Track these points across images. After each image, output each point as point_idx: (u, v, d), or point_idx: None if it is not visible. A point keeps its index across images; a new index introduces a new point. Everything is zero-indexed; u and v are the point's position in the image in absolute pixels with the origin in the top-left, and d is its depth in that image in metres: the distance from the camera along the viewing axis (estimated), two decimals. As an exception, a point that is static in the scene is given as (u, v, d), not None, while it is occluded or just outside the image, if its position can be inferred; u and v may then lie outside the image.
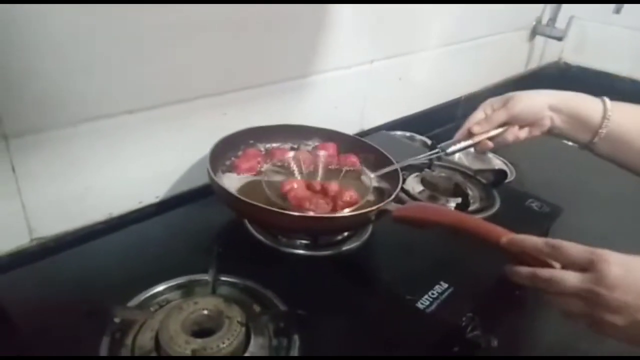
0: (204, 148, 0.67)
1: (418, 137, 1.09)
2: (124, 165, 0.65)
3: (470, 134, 0.70)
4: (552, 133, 0.71)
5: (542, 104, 0.68)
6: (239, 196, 0.57)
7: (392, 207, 0.57)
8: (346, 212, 0.56)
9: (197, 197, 0.73)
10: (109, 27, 0.55)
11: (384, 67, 1.00)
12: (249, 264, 0.59)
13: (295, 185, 0.63)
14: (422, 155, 0.75)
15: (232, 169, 0.69)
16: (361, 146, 0.76)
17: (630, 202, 1.00)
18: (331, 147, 0.76)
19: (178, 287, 0.53)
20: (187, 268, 0.56)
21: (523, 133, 0.70)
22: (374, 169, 0.73)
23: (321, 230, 0.61)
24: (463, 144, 0.71)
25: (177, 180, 0.71)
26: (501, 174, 0.84)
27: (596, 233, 0.88)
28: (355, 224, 0.63)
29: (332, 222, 0.57)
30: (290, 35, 0.77)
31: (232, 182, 0.67)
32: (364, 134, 1.03)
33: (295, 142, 0.77)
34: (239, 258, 0.61)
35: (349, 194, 0.63)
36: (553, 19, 1.49)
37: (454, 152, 0.71)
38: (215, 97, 0.71)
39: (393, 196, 0.60)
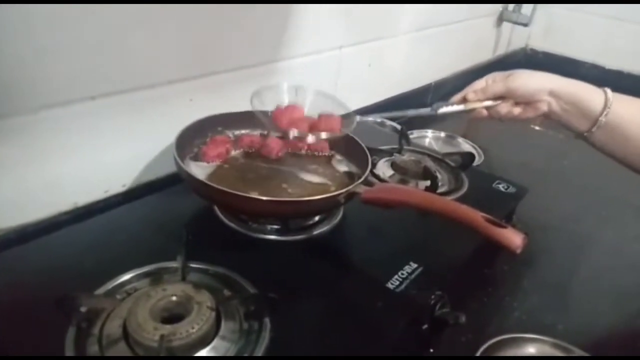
0: (171, 135, 0.66)
1: (388, 122, 1.10)
2: (89, 153, 0.63)
3: (465, 100, 0.71)
4: (549, 118, 0.72)
5: (542, 86, 0.69)
6: (207, 182, 0.57)
7: (361, 189, 0.58)
8: (315, 197, 0.56)
9: (166, 185, 0.71)
10: (69, 12, 0.54)
11: (354, 53, 1.00)
12: (220, 251, 0.59)
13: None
14: (411, 112, 0.76)
15: (200, 156, 0.68)
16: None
17: (592, 182, 1.03)
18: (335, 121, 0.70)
19: (146, 274, 0.52)
20: (156, 256, 0.55)
21: (517, 110, 0.71)
22: (344, 153, 0.73)
23: (291, 214, 0.61)
24: (456, 107, 0.73)
25: (144, 169, 0.70)
26: (469, 156, 0.85)
27: (560, 211, 0.92)
28: (325, 207, 0.63)
29: (302, 205, 0.57)
30: (257, 20, 0.76)
31: (200, 169, 0.66)
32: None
33: (265, 128, 0.77)
34: (209, 245, 0.60)
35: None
36: (519, 6, 1.52)
37: (445, 113, 0.72)
38: (181, 84, 0.69)
39: (362, 179, 0.61)
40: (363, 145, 0.70)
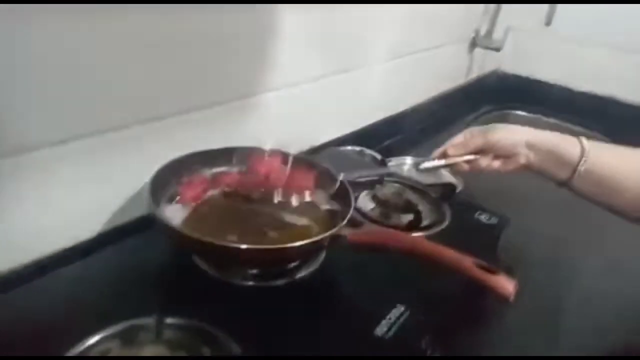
0: (146, 175, 0.63)
1: (368, 151, 1.09)
2: (55, 199, 0.59)
3: (445, 155, 0.72)
4: (529, 169, 0.73)
5: (519, 138, 0.71)
6: (182, 231, 0.53)
7: (346, 231, 0.56)
8: (297, 243, 0.53)
9: (140, 228, 0.68)
10: (34, 49, 0.51)
11: (331, 83, 0.99)
12: (197, 301, 0.55)
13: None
14: (393, 168, 0.81)
15: (175, 198, 0.65)
16: (310, 165, 0.74)
17: (574, 207, 1.03)
18: (275, 161, 0.71)
19: (118, 335, 0.49)
20: (129, 311, 0.51)
21: (496, 163, 0.73)
22: (324, 188, 0.71)
23: (272, 262, 0.58)
24: (437, 162, 0.73)
25: (117, 212, 0.66)
26: (450, 187, 0.84)
27: (543, 240, 0.91)
28: (308, 253, 0.60)
29: (283, 252, 0.55)
30: (232, 54, 0.74)
31: (176, 212, 0.63)
32: (313, 150, 1.01)
33: (243, 165, 0.74)
34: (186, 295, 0.57)
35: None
36: (490, 31, 1.55)
37: (427, 169, 0.73)
38: (155, 122, 0.66)
39: (345, 220, 0.59)
40: (346, 183, 0.68)
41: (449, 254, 0.47)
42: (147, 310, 0.50)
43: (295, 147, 0.96)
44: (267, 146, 0.74)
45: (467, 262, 0.45)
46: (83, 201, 0.62)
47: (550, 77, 1.73)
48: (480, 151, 0.71)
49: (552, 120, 1.66)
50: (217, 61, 0.72)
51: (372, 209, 0.80)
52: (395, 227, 0.75)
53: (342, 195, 0.67)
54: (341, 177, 0.68)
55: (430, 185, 0.87)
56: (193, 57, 0.68)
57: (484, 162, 0.72)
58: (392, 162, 1.12)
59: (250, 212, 0.65)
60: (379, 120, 1.23)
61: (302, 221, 0.64)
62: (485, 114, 1.61)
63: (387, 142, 1.24)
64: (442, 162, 0.73)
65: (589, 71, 1.66)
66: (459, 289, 0.63)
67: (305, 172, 0.70)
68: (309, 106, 0.96)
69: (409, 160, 1.16)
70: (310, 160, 0.71)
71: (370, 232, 0.55)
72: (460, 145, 0.72)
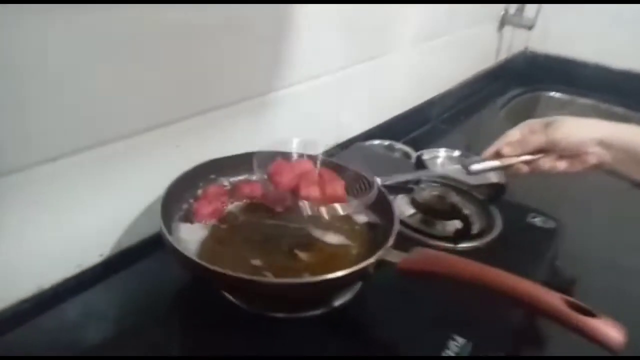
0: (155, 189, 0.55)
1: (398, 145, 0.99)
2: (55, 222, 0.51)
3: (499, 155, 0.61)
4: (600, 169, 0.61)
5: (589, 136, 0.59)
6: (200, 262, 0.45)
7: (395, 257, 0.47)
8: (338, 274, 0.44)
9: (152, 248, 0.60)
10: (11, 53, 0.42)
11: (355, 73, 0.89)
12: (221, 335, 0.48)
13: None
14: (440, 170, 0.69)
15: (191, 215, 0.57)
16: (341, 169, 0.64)
17: (625, 205, 0.93)
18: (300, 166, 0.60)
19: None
20: (145, 347, 0.43)
21: (562, 164, 0.61)
22: (358, 196, 0.62)
23: (306, 297, 0.49)
24: (490, 164, 0.62)
25: (125, 232, 0.58)
26: (498, 187, 0.75)
27: (604, 247, 0.80)
28: (349, 283, 0.51)
29: (321, 286, 0.46)
30: (246, 47, 0.64)
31: (192, 233, 0.54)
32: (338, 148, 0.92)
33: (264, 173, 0.65)
34: (209, 330, 0.49)
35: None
36: (521, 9, 1.43)
37: (478, 172, 0.62)
38: (163, 128, 0.58)
39: (391, 240, 0.49)
40: (384, 190, 0.59)
41: (535, 291, 0.38)
42: (164, 347, 0.42)
43: (318, 146, 0.87)
44: (290, 148, 0.65)
45: (556, 300, 0.36)
46: (87, 223, 0.54)
47: (584, 55, 1.61)
48: (541, 150, 0.61)
49: (588, 101, 1.54)
50: (230, 56, 0.62)
51: (411, 216, 0.71)
52: (442, 237, 0.66)
53: (381, 205, 0.58)
54: (379, 182, 0.58)
55: (476, 187, 0.77)
56: (202, 52, 0.59)
57: (547, 163, 0.60)
58: (425, 156, 1.03)
59: (276, 228, 0.57)
60: (405, 110, 1.13)
61: (337, 239, 0.55)
62: (515, 97, 1.50)
63: (414, 134, 1.15)
64: (496, 163, 0.62)
65: (628, 47, 1.54)
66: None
67: (337, 178, 0.60)
68: (331, 100, 0.87)
69: (442, 152, 1.07)
70: (341, 164, 0.62)
71: (425, 258, 0.46)
72: (517, 144, 0.61)
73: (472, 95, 1.38)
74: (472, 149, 1.06)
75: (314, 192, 0.50)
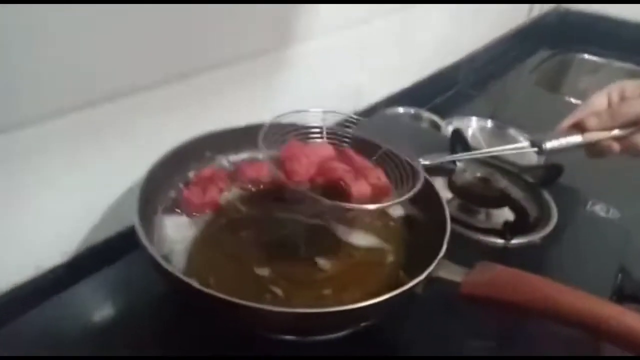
0: (136, 171, 0.42)
1: (425, 114, 0.86)
2: (5, 214, 0.39)
3: (580, 128, 0.47)
4: None
5: None
6: (189, 283, 0.32)
7: (454, 274, 0.34)
8: (374, 300, 0.32)
9: (129, 244, 0.47)
10: None
11: (381, 28, 0.75)
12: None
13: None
14: (506, 148, 0.52)
15: (180, 205, 0.44)
16: (369, 148, 0.51)
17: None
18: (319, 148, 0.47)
19: None
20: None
21: None
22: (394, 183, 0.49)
23: (331, 327, 0.37)
24: (571, 139, 0.48)
25: (95, 227, 0.46)
26: (555, 169, 0.61)
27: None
28: (386, 310, 0.39)
29: (347, 315, 0.33)
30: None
31: (179, 230, 0.42)
32: (358, 116, 0.79)
33: (273, 150, 0.52)
34: (199, 348, 0.37)
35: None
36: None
37: (554, 151, 0.49)
38: (145, 94, 0.44)
39: (444, 249, 0.37)
40: (427, 176, 0.45)
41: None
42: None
43: (335, 115, 0.73)
44: (306, 118, 0.52)
45: None
46: (45, 213, 0.42)
47: (623, 13, 1.44)
48: (637, 122, 0.47)
49: (627, 65, 1.39)
50: (230, 7, 0.48)
51: (449, 202, 0.58)
52: (487, 230, 0.54)
53: (423, 193, 0.45)
54: (421, 164, 0.44)
55: (528, 169, 0.63)
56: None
57: None
58: (453, 124, 0.89)
59: (289, 225, 0.44)
60: (431, 73, 0.98)
61: (368, 240, 0.43)
62: (546, 60, 1.35)
63: (437, 100, 1.01)
64: (577, 138, 0.48)
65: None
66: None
67: (370, 163, 0.48)
68: (355, 58, 0.72)
69: (473, 122, 0.93)
70: (375, 140, 0.49)
71: (501, 280, 0.33)
72: (605, 114, 0.46)
73: (501, 57, 1.24)
74: (501, 117, 0.93)
75: (364, 188, 0.37)
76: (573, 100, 1.16)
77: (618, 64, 1.40)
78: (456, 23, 0.99)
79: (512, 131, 0.90)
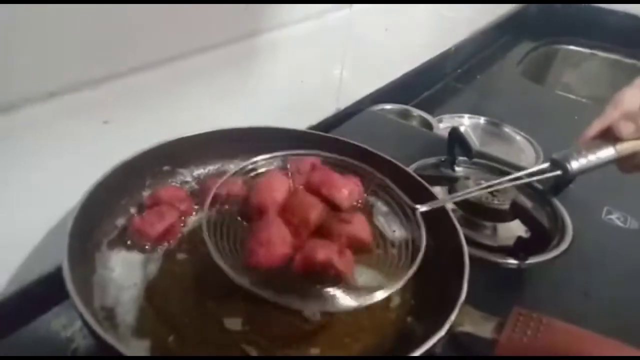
0: (72, 193, 0.33)
1: (415, 111, 0.79)
2: None
3: (612, 137, 0.39)
4: None
5: None
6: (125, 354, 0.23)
7: (482, 327, 0.26)
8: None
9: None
10: None
11: (368, 13, 0.66)
12: None
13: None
14: (525, 174, 0.43)
15: (131, 236, 0.35)
16: (370, 156, 0.43)
17: None
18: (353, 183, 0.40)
19: None
20: None
21: None
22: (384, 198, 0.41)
23: None
24: (599, 155, 0.39)
25: (17, 269, 0.36)
26: (565, 177, 0.54)
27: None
28: None
29: None
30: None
31: (129, 270, 0.33)
32: (341, 115, 0.70)
33: (248, 162, 0.43)
34: None
35: None
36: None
37: (583, 172, 0.40)
38: (82, 93, 0.35)
39: (464, 293, 0.29)
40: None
41: None
42: None
43: (318, 114, 0.65)
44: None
45: None
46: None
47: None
48: None
49: (612, 56, 1.34)
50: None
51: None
52: (496, 248, 0.47)
53: (431, 216, 0.37)
54: (419, 211, 0.37)
55: (533, 173, 0.56)
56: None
57: None
58: (446, 123, 0.82)
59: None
60: (419, 65, 0.91)
61: (364, 275, 0.35)
62: (531, 51, 1.29)
63: (425, 94, 0.94)
64: (611, 151, 0.39)
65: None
66: None
67: (362, 173, 0.40)
68: (337, 46, 0.64)
69: (466, 119, 0.86)
70: (369, 149, 0.41)
71: (544, 342, 0.25)
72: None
73: (485, 49, 1.17)
74: (490, 111, 0.86)
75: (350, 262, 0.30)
76: (561, 92, 1.11)
77: (603, 54, 1.36)
78: (440, 14, 0.91)
79: (507, 129, 0.84)
